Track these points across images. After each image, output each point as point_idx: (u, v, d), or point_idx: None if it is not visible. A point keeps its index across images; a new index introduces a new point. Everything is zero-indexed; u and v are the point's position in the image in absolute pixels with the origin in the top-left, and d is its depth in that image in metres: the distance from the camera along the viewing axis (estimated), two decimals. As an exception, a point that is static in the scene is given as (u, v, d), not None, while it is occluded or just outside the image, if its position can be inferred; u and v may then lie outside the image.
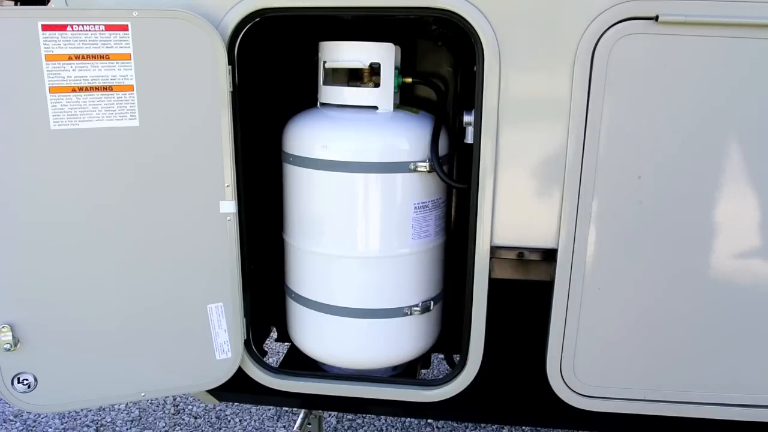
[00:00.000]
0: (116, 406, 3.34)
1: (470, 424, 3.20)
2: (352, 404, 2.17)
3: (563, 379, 1.87)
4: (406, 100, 2.12)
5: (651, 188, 1.68)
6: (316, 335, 2.09)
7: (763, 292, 1.74)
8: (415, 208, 1.93)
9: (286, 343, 2.60)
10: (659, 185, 1.68)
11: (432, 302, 2.07)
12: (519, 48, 1.64)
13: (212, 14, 1.69)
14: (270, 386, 2.05)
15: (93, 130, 1.64)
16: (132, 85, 1.64)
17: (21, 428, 3.16)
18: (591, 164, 1.68)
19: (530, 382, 1.96)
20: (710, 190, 1.67)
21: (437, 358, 3.52)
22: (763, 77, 1.59)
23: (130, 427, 3.18)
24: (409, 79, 2.04)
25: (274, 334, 2.62)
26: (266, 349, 2.46)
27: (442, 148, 1.95)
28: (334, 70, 1.98)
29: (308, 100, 2.06)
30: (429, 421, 3.21)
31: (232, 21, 1.70)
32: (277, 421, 3.26)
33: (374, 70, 1.91)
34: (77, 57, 1.59)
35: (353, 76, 2.00)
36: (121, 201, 1.71)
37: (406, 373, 2.22)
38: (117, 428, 3.17)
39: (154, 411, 3.33)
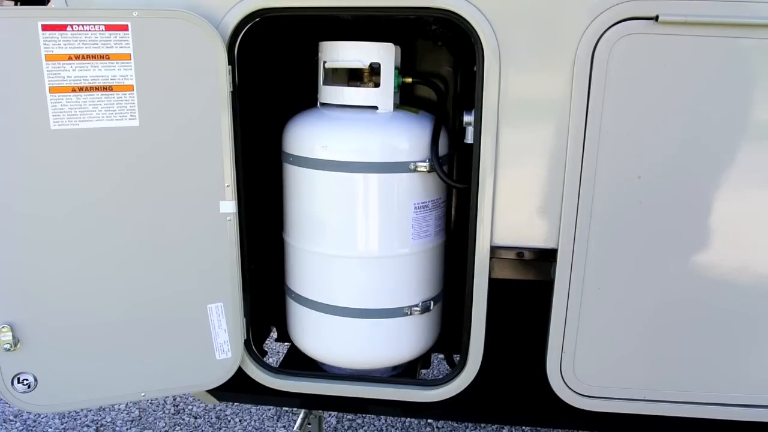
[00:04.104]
0: (116, 406, 3.34)
1: (470, 424, 3.20)
2: (352, 404, 2.17)
3: (563, 379, 1.87)
4: (406, 100, 2.12)
5: (651, 188, 1.68)
6: (316, 335, 2.09)
7: (763, 291, 1.74)
8: (415, 208, 1.93)
9: (286, 343, 2.60)
10: (659, 185, 1.68)
11: (432, 302, 2.07)
12: (519, 48, 1.64)
13: (212, 14, 1.69)
14: (270, 386, 2.05)
15: (93, 130, 1.64)
16: (132, 85, 1.64)
17: (21, 428, 3.16)
18: (591, 164, 1.68)
19: (530, 382, 1.96)
20: (710, 190, 1.67)
21: (437, 358, 3.52)
22: (763, 77, 1.59)
23: (130, 427, 3.18)
24: (409, 79, 2.04)
25: (274, 334, 2.62)
26: (266, 349, 2.46)
27: (442, 148, 1.95)
28: (334, 70, 1.98)
29: (308, 100, 2.06)
30: (429, 421, 3.21)
31: (232, 21, 1.70)
32: (277, 421, 3.26)
33: (374, 70, 1.91)
34: (77, 57, 1.59)
35: (353, 76, 2.00)
36: (121, 201, 1.71)
37: (406, 373, 2.22)
38: (117, 428, 3.17)
39: (154, 411, 3.33)
